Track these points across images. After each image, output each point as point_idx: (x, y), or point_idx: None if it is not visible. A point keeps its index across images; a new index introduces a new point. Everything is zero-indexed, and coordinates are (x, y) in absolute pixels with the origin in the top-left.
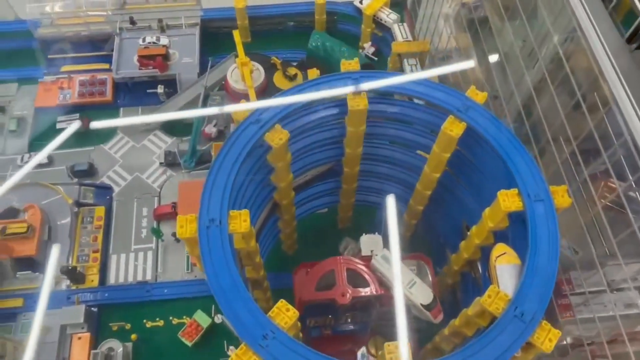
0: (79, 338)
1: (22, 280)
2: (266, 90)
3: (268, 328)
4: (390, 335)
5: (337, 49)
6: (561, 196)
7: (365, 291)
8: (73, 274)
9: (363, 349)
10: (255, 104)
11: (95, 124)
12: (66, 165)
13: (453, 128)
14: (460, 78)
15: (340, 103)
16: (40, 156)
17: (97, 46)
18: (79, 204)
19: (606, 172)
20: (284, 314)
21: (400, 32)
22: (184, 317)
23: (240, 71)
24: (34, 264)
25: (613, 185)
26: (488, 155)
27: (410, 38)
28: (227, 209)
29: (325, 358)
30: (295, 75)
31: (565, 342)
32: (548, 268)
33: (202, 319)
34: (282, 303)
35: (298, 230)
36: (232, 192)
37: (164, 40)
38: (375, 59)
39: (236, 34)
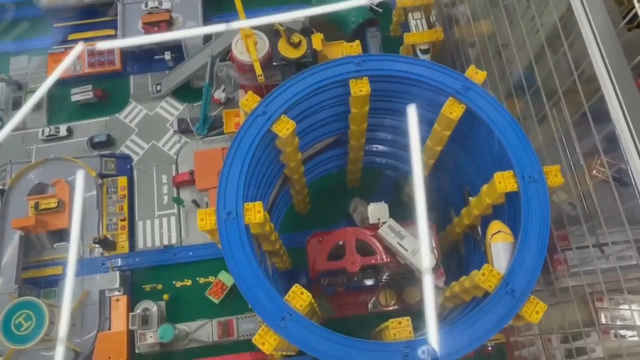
0: (117, 300)
1: (59, 250)
2: (271, 59)
3: (285, 310)
4: (398, 286)
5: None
6: (554, 175)
7: (373, 259)
8: (105, 243)
9: (374, 299)
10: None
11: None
12: (86, 138)
13: (452, 110)
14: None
15: (343, 84)
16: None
17: (100, 12)
18: (102, 176)
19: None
20: (299, 297)
21: None
22: (209, 276)
23: (245, 44)
24: (68, 235)
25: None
26: (485, 134)
27: None
28: (242, 201)
29: (334, 334)
30: (300, 42)
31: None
32: (538, 246)
33: (226, 278)
34: (296, 287)
35: (309, 192)
36: (245, 183)
37: (166, 4)
38: (380, 10)
39: (237, 1)
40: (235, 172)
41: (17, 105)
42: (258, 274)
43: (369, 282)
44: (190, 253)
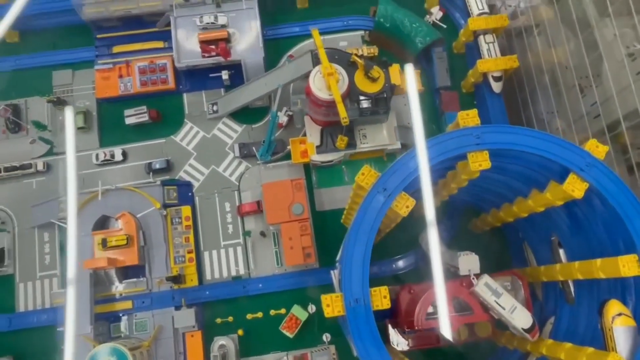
0: (192, 336)
1: (128, 285)
2: (348, 95)
3: None
4: None
5: (408, 23)
6: None
7: (471, 318)
8: (176, 280)
9: None
10: None
11: None
12: (141, 162)
13: (575, 188)
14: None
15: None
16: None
17: (147, 23)
18: (165, 205)
19: None
20: None
21: (476, 2)
22: (281, 308)
23: (327, 82)
24: (137, 270)
25: None
26: (602, 210)
27: (486, 10)
28: (368, 286)
29: None
30: (379, 77)
31: None
32: None
33: (299, 313)
34: None
35: None
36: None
37: (222, 19)
38: (444, 26)
39: (316, 35)
40: (359, 255)
41: (64, 127)
42: (384, 355)
43: None
44: (260, 285)
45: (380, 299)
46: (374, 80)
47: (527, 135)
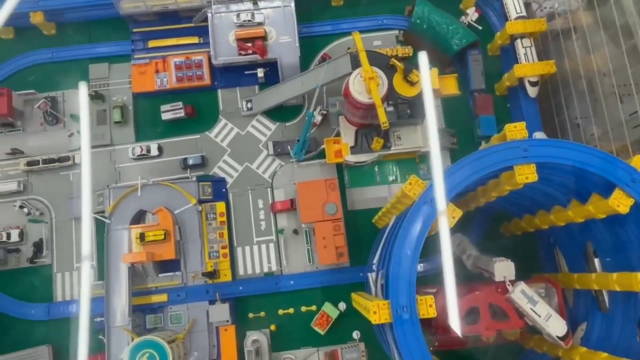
0: (226, 330)
1: (164, 278)
2: (387, 98)
3: None
4: None
5: (444, 24)
6: None
7: (507, 325)
8: (211, 275)
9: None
10: None
11: None
12: (177, 157)
13: (620, 203)
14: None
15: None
16: None
17: (183, 18)
18: (200, 201)
19: None
20: None
21: (514, 5)
22: (312, 305)
23: (368, 86)
24: (173, 264)
25: None
26: None
27: (524, 13)
28: (414, 294)
29: None
30: (417, 82)
31: None
32: None
33: (330, 310)
34: None
35: None
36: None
37: (258, 17)
38: (480, 27)
39: (357, 38)
40: (405, 264)
41: (101, 120)
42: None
43: None
44: (292, 282)
45: (426, 307)
46: (412, 83)
47: (574, 150)
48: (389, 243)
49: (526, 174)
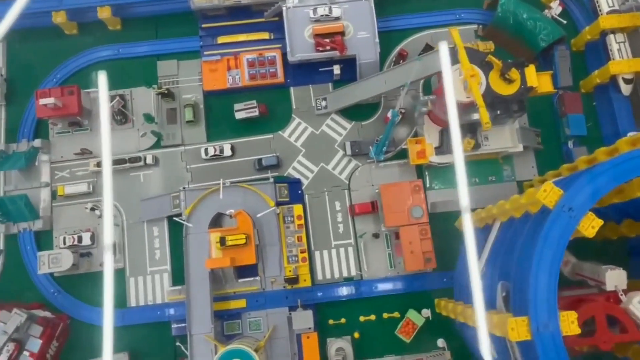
0: (308, 337)
1: (243, 284)
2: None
3: None
4: None
5: (531, 19)
6: None
7: (626, 338)
8: (293, 281)
9: None
10: None
11: None
12: (250, 157)
13: None
14: None
15: None
16: None
17: (254, 13)
18: (277, 203)
19: None
20: None
21: None
22: (394, 312)
23: (469, 84)
24: (251, 269)
25: None
26: None
27: (616, 7)
28: (556, 310)
29: None
30: (516, 80)
31: None
32: None
33: (415, 317)
34: None
35: None
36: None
37: (336, 11)
38: (564, 21)
39: (455, 34)
40: (543, 278)
41: (171, 119)
42: None
43: None
44: (373, 287)
45: (569, 324)
46: (510, 82)
47: None
48: (506, 252)
49: None
